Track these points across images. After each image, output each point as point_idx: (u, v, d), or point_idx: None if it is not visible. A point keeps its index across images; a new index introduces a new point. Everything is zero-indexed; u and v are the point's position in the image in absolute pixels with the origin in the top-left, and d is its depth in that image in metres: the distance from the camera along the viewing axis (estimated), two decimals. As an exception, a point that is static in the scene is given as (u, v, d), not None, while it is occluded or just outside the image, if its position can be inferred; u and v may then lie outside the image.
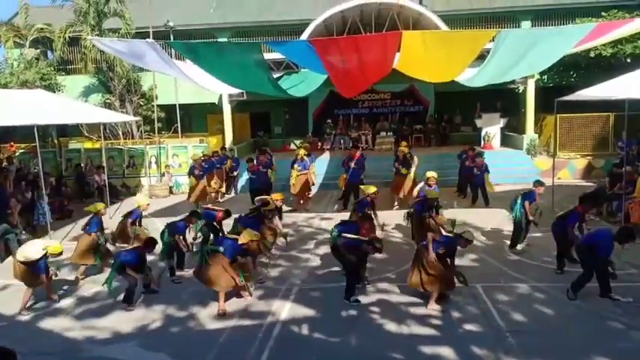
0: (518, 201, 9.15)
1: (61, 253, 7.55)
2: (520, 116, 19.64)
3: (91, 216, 8.96)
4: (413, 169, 12.80)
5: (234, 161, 16.22)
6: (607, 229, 7.28)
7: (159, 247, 8.10)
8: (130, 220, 9.64)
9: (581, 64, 17.87)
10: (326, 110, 22.03)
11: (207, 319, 6.89)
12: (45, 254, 7.27)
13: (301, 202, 13.59)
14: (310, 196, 13.91)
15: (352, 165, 12.85)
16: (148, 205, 10.28)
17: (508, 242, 9.78)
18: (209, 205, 10.97)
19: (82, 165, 17.55)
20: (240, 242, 7.05)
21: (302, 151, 13.85)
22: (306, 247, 10.14)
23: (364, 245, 7.19)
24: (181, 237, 8.60)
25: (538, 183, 9.43)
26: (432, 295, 6.92)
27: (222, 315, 6.92)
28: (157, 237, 8.16)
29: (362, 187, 10.47)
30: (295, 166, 13.38)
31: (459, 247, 7.01)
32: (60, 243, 7.89)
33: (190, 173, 14.14)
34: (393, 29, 15.95)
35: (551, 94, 12.63)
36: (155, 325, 6.81)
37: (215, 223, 9.41)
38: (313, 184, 13.92)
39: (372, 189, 9.64)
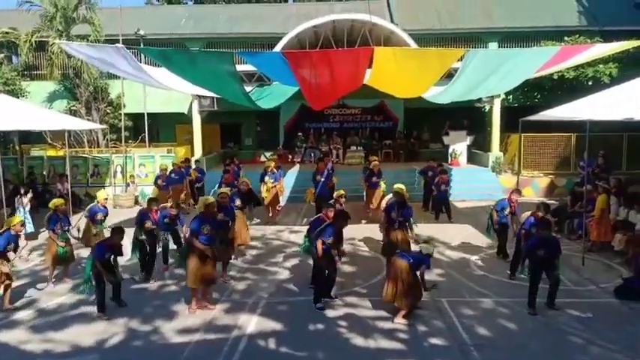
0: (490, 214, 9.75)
1: None
2: (486, 134, 20.09)
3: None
4: (382, 183, 13.06)
5: (198, 172, 16.01)
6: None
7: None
8: (89, 218, 9.63)
9: (544, 85, 18.45)
10: (297, 123, 22.10)
11: (170, 333, 6.74)
12: None
13: (270, 215, 13.52)
14: (279, 209, 13.86)
15: (320, 178, 12.92)
16: (106, 199, 10.09)
17: (473, 257, 9.96)
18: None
19: (44, 173, 17.07)
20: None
21: (272, 163, 13.83)
22: (274, 260, 10.07)
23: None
24: (149, 223, 8.75)
25: (516, 192, 9.81)
26: (400, 311, 6.95)
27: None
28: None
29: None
30: (266, 178, 13.32)
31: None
32: None
33: (155, 183, 13.96)
34: (365, 46, 16.17)
35: (516, 114, 12.95)
36: (117, 338, 6.62)
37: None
38: (281, 195, 13.92)
39: (340, 192, 9.94)
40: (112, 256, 7.47)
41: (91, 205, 9.89)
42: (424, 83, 10.58)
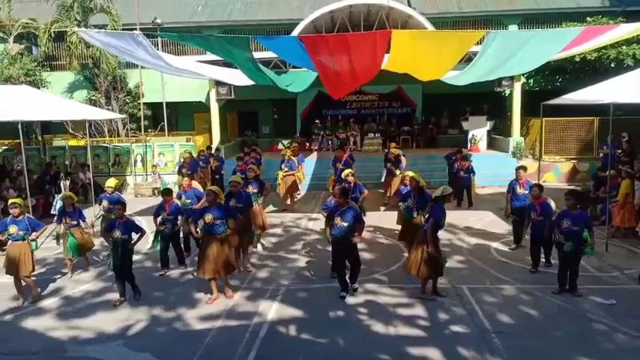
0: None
1: None
2: (506, 119, 19.81)
3: None
4: (403, 169, 12.94)
5: (218, 160, 16.11)
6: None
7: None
8: (102, 208, 9.60)
9: (566, 68, 18.08)
10: (314, 110, 22.01)
11: (193, 320, 6.83)
12: None
13: (287, 202, 13.55)
14: (297, 197, 13.87)
15: (339, 166, 12.85)
16: (116, 186, 9.90)
17: (494, 244, 9.90)
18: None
19: (66, 163, 17.33)
20: None
21: (288, 152, 13.84)
22: (293, 248, 10.12)
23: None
24: (160, 219, 8.73)
25: (521, 168, 9.59)
26: (425, 283, 7.23)
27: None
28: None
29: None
30: (282, 166, 13.36)
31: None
32: None
33: (179, 172, 14.04)
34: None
35: (537, 98, 12.72)
36: (140, 325, 6.74)
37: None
38: (301, 182, 13.93)
39: (347, 171, 9.81)
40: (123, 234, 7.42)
41: (102, 194, 9.82)
42: (443, 66, 10.38)
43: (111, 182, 9.77)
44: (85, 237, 8.97)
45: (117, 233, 7.37)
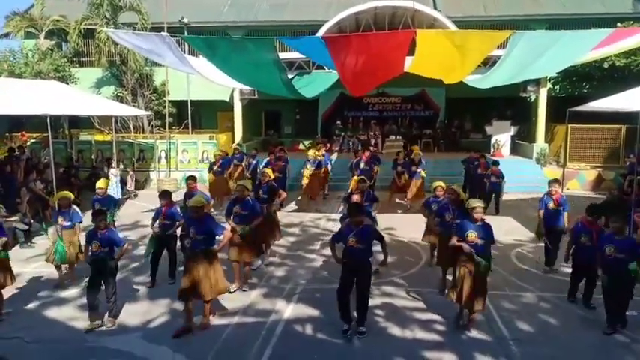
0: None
1: None
2: (531, 125, 19.55)
3: None
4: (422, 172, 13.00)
5: (253, 159, 15.89)
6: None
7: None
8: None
9: (594, 74, 17.77)
10: (336, 111, 22.06)
11: (211, 315, 6.90)
12: None
13: (311, 199, 13.65)
14: (322, 195, 13.90)
15: (362, 166, 12.83)
16: (103, 189, 9.09)
17: (515, 251, 9.80)
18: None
19: (92, 157, 17.70)
20: None
21: (311, 152, 13.90)
22: (311, 248, 10.16)
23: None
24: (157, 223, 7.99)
25: (554, 182, 8.62)
26: (475, 316, 6.43)
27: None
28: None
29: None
30: (308, 165, 13.45)
31: None
32: None
33: (210, 170, 14.11)
34: (407, 33, 15.94)
35: (562, 104, 12.55)
36: (160, 319, 6.84)
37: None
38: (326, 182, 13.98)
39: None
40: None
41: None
42: (467, 65, 10.18)
43: (101, 183, 9.22)
44: (72, 249, 7.99)
45: (95, 245, 6.52)
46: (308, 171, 13.41)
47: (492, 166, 12.99)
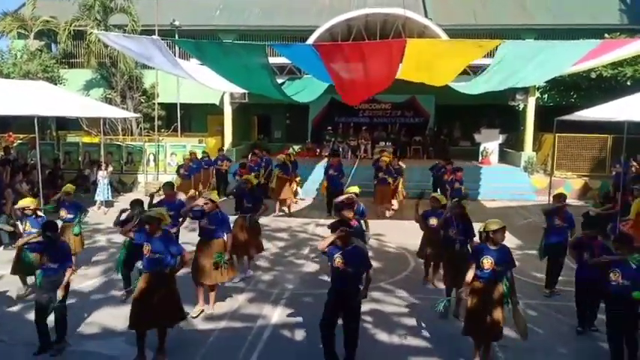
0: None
1: None
2: (519, 134, 19.72)
3: None
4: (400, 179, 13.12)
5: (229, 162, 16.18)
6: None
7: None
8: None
9: (581, 84, 17.97)
10: (326, 117, 22.08)
11: (197, 320, 6.85)
12: None
13: (283, 208, 13.66)
14: (290, 202, 13.75)
15: (331, 172, 12.91)
16: (30, 207, 7.64)
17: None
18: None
19: (79, 159, 17.53)
20: None
21: (280, 156, 13.95)
22: (300, 253, 10.14)
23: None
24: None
25: (557, 197, 8.06)
26: (490, 346, 5.78)
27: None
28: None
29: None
30: (277, 169, 13.60)
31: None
32: None
33: (177, 172, 14.23)
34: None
35: (550, 114, 12.69)
36: (145, 322, 6.76)
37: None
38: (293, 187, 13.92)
39: (353, 189, 8.51)
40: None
41: None
42: (454, 68, 10.12)
43: (26, 202, 7.79)
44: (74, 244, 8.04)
45: (43, 259, 5.78)
46: (277, 172, 13.46)
47: (456, 172, 12.97)
